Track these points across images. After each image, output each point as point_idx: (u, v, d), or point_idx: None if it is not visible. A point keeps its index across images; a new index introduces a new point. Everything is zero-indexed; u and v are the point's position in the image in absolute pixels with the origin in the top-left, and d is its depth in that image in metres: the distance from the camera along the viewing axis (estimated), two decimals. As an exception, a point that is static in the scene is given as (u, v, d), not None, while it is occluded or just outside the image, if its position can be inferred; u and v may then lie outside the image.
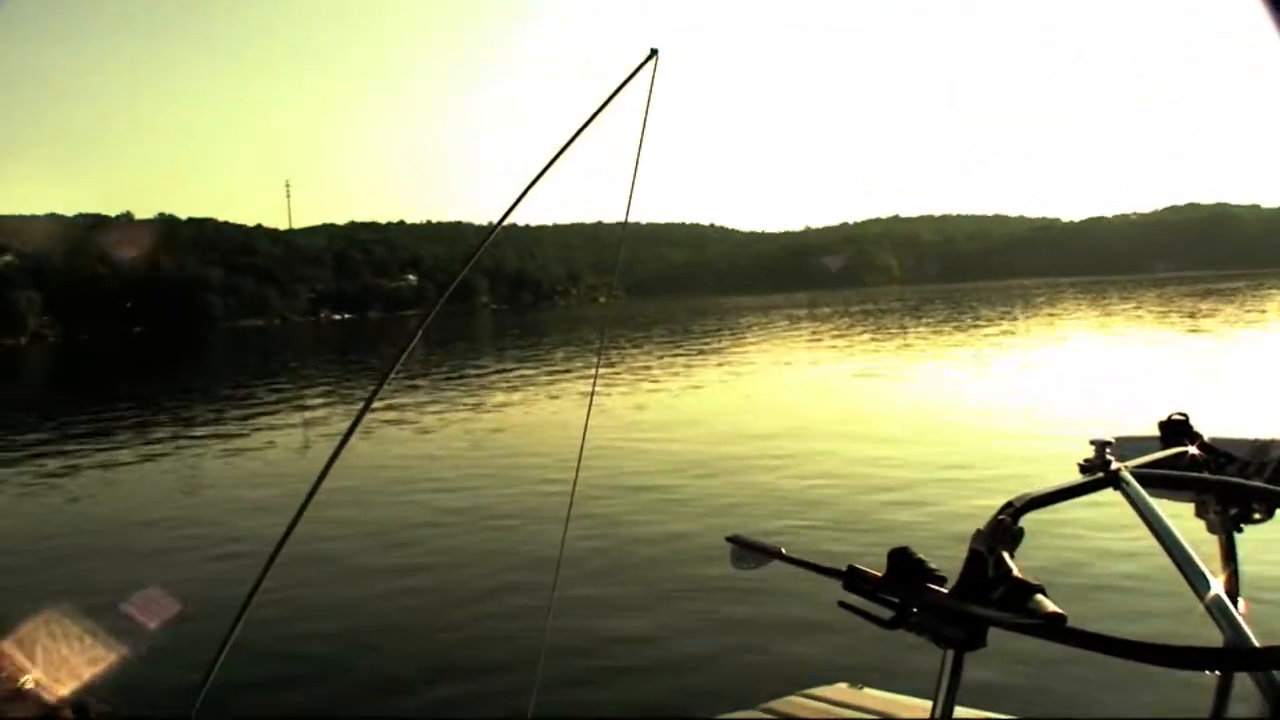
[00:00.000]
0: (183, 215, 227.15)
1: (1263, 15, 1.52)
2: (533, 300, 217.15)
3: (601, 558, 11.66)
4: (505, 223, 3.02)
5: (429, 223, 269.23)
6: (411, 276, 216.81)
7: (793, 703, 2.87)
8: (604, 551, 11.95)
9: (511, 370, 45.29)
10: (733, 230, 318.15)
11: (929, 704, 1.91)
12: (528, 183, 2.84)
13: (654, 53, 2.84)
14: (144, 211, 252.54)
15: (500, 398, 33.14)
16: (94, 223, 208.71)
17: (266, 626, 8.85)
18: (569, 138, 2.82)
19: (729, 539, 2.26)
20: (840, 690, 2.98)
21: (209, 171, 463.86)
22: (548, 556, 10.26)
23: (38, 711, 6.93)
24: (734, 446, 19.88)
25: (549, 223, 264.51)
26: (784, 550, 2.15)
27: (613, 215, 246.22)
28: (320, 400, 36.35)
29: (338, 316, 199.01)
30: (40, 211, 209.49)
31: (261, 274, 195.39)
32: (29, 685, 7.06)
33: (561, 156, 2.82)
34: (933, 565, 1.82)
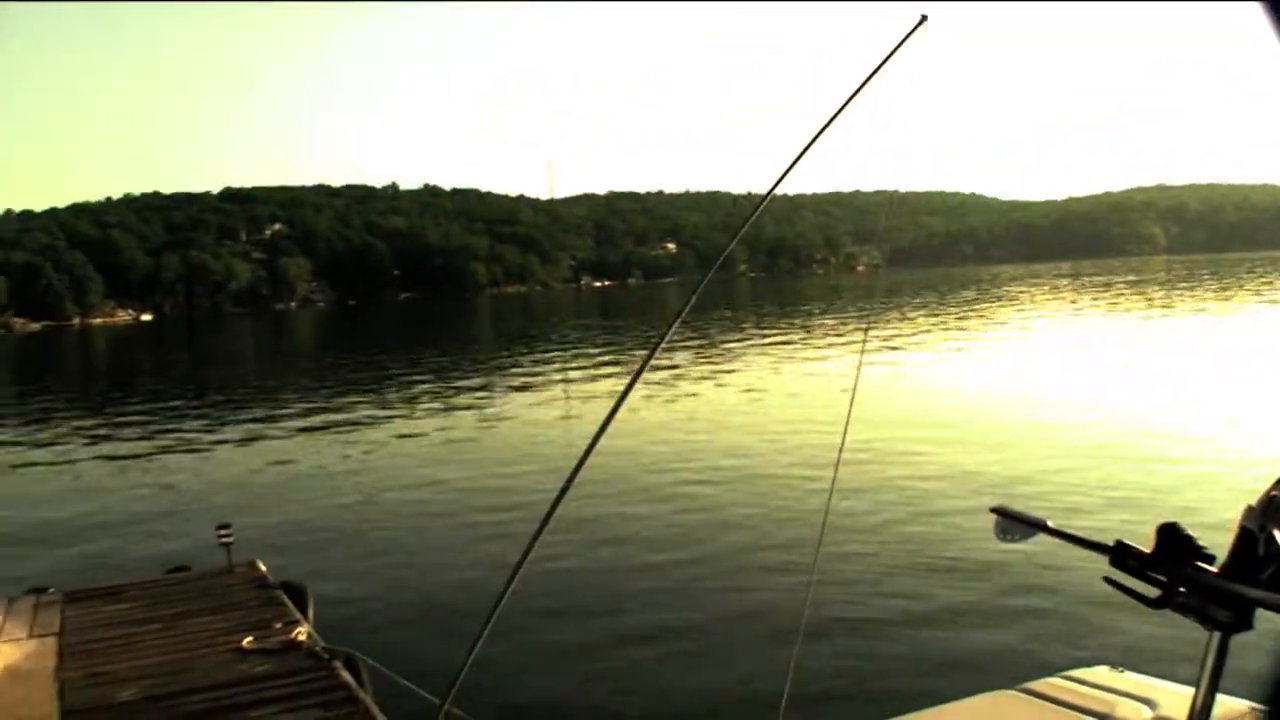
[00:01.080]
0: (447, 186, 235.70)
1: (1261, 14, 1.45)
2: (791, 268, 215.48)
3: (862, 530, 11.58)
4: (773, 192, 3.01)
5: (687, 192, 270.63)
6: (670, 245, 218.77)
7: (1051, 684, 2.81)
8: (864, 523, 11.86)
9: (774, 338, 45.29)
10: (992, 199, 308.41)
11: (1192, 692, 1.87)
12: (797, 152, 2.82)
13: (923, 19, 2.74)
14: (409, 182, 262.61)
15: (762, 367, 33.12)
16: (362, 194, 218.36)
17: (519, 614, 8.72)
18: (838, 107, 2.78)
19: (993, 510, 2.24)
20: (1100, 673, 2.89)
21: (471, 143, 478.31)
22: (807, 533, 10.15)
23: (310, 662, 7.38)
24: (999, 416, 19.49)
25: (807, 191, 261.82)
26: (1049, 523, 2.13)
27: (870, 183, 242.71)
28: (586, 366, 37.25)
29: (598, 283, 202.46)
30: (309, 183, 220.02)
31: (524, 242, 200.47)
32: (301, 638, 7.51)
33: (830, 126, 2.80)
34: (1202, 543, 1.78)
